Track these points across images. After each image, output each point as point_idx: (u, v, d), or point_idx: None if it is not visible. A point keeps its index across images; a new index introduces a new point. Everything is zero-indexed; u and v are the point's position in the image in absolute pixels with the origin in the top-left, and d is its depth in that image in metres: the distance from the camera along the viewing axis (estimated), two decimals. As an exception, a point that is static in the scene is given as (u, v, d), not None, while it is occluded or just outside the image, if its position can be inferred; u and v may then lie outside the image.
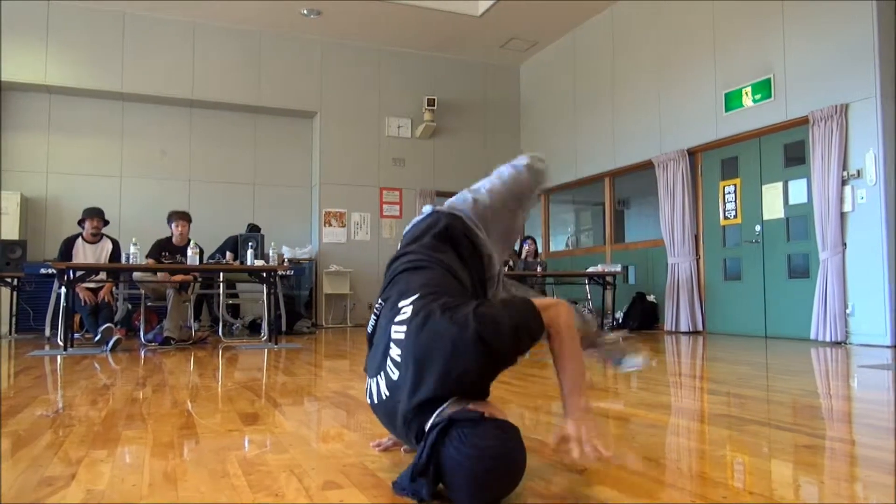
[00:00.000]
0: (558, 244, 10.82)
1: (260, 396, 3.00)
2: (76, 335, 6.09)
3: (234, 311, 8.00)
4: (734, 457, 1.86)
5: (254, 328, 7.63)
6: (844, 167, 5.83)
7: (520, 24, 9.15)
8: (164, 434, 2.15)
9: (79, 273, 5.41)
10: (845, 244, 5.83)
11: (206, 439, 2.08)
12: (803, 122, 6.20)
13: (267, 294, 6.10)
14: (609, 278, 7.61)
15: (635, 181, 8.98)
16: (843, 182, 5.83)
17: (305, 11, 8.72)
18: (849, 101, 5.81)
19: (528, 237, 8.44)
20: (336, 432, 2.22)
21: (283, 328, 7.29)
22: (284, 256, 8.24)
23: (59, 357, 4.88)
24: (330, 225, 9.55)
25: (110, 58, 8.59)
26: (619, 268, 7.89)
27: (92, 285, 5.99)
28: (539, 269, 7.89)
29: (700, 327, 7.29)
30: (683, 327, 7.30)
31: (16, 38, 8.15)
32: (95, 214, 6.17)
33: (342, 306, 9.38)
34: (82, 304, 5.85)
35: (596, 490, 1.51)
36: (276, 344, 5.80)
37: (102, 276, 6.02)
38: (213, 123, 9.33)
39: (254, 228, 7.74)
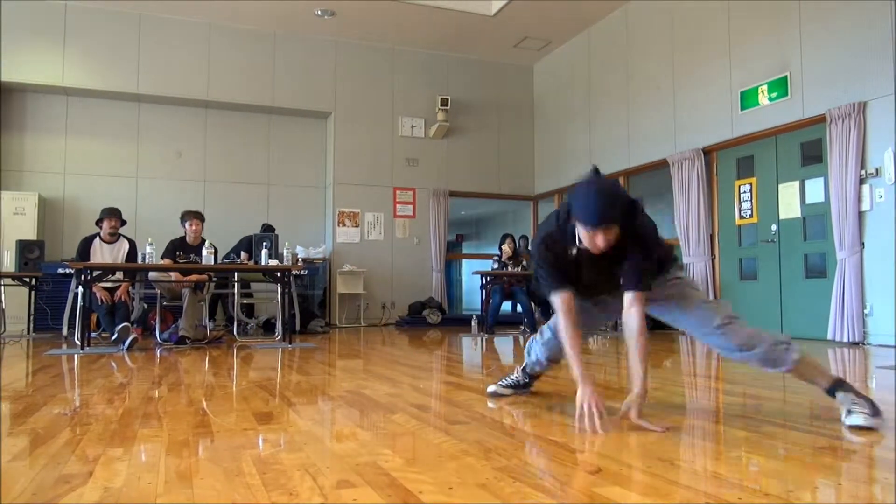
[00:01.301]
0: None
1: (274, 395, 3.01)
2: (93, 334, 6.15)
3: (249, 310, 8.04)
4: (750, 458, 1.85)
5: (268, 327, 7.68)
6: (862, 166, 5.77)
7: (533, 24, 9.13)
8: (180, 433, 2.16)
9: (96, 273, 5.46)
10: (863, 244, 5.76)
11: (220, 438, 2.09)
12: (820, 120, 6.14)
13: (281, 294, 6.13)
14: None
15: (650, 180, 8.92)
16: (861, 181, 5.77)
17: (319, 12, 8.76)
18: (867, 99, 5.74)
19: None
20: (350, 431, 2.22)
21: (297, 328, 7.33)
22: (298, 256, 8.28)
23: (76, 356, 4.93)
24: (344, 225, 9.58)
25: (126, 59, 8.67)
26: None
27: (109, 285, 6.04)
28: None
29: (715, 327, 7.22)
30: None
31: (33, 41, 8.26)
32: (113, 214, 6.23)
33: (356, 306, 9.41)
34: (99, 303, 5.90)
35: (611, 490, 1.50)
36: (291, 343, 5.82)
37: (119, 275, 6.08)
38: (228, 124, 9.40)
39: (268, 228, 7.78)
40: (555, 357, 2.78)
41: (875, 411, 2.22)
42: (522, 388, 2.94)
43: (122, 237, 6.30)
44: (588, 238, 2.24)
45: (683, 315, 2.45)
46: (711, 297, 7.27)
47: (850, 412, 2.24)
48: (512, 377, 2.97)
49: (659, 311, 2.51)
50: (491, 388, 2.96)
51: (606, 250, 2.23)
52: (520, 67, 10.70)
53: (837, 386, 2.33)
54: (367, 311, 9.46)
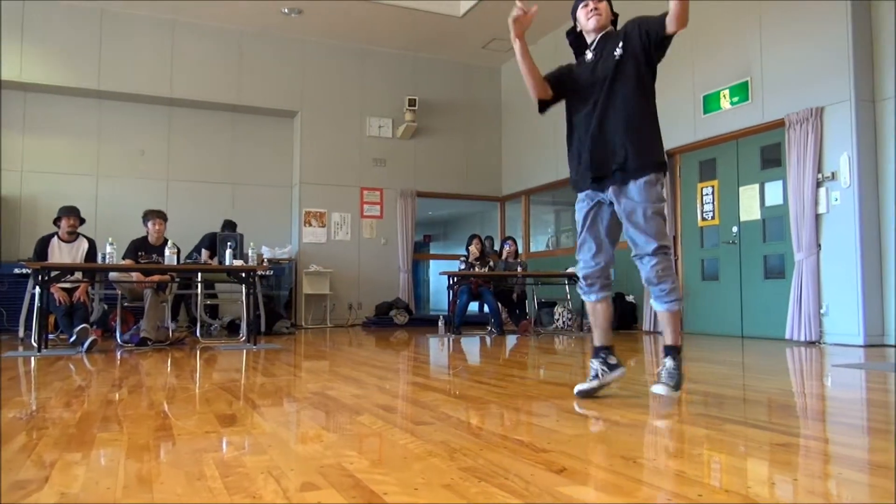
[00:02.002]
0: (539, 245, 10.87)
1: (238, 398, 2.97)
2: (51, 336, 5.99)
3: (213, 311, 7.93)
4: (711, 455, 1.88)
5: (232, 329, 7.57)
6: (819, 169, 5.92)
7: (501, 25, 9.11)
8: (140, 436, 2.12)
9: (54, 273, 5.33)
10: (820, 245, 5.92)
11: (182, 441, 2.06)
12: (780, 124, 6.28)
13: (246, 294, 6.05)
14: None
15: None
16: (818, 184, 5.92)
17: (286, 10, 8.68)
18: (824, 105, 5.90)
19: (509, 238, 8.47)
20: (315, 433, 2.21)
21: (263, 329, 7.25)
22: (264, 256, 8.19)
23: (32, 358, 4.80)
24: (310, 225, 9.51)
25: (87, 55, 8.48)
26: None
27: (67, 285, 5.90)
28: (519, 269, 7.92)
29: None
30: (662, 327, 7.34)
31: (-11, 34, 8.02)
32: (71, 213, 6.08)
33: (322, 307, 9.34)
34: (57, 304, 5.76)
35: (573, 489, 1.52)
36: (255, 345, 5.75)
37: (78, 275, 5.94)
38: (193, 122, 9.25)
39: (229, 225, 7.67)
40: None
41: (677, 387, 2.69)
42: (608, 371, 2.83)
43: (80, 236, 6.16)
44: (584, 15, 2.84)
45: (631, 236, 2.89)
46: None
47: (658, 381, 2.72)
48: (593, 368, 2.86)
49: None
50: (579, 388, 2.84)
51: (599, 24, 2.82)
52: (488, 69, 10.74)
53: (675, 351, 2.77)
54: (333, 311, 9.40)
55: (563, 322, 8.13)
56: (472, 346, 6.23)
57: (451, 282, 7.58)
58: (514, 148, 10.51)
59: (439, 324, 7.65)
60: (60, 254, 5.97)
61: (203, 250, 6.94)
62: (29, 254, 6.77)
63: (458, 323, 7.49)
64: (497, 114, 10.81)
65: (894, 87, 5.63)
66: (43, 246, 5.96)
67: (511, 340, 6.67)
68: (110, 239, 5.53)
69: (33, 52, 8.22)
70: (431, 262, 15.54)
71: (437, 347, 6.09)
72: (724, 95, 6.86)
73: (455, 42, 9.74)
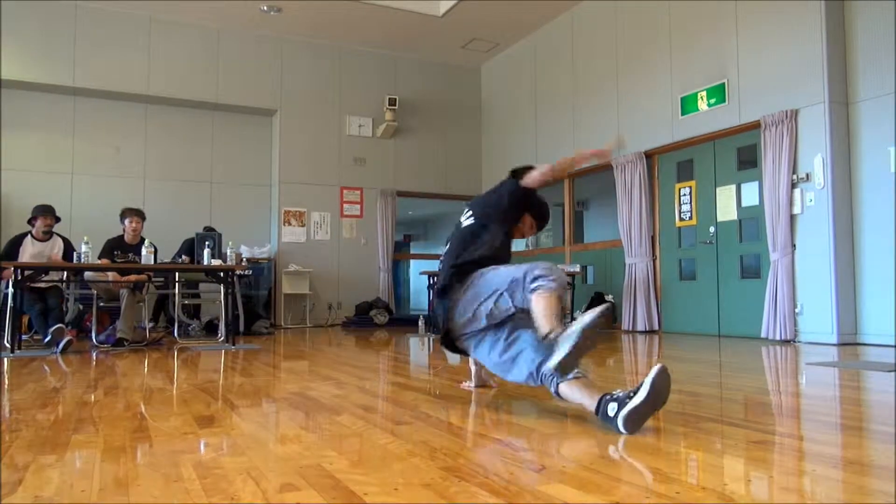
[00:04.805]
0: (519, 244, 10.90)
1: (216, 398, 2.95)
2: (24, 337, 5.90)
3: (196, 311, 7.85)
4: (688, 453, 1.90)
5: (211, 329, 7.50)
6: (794, 171, 6.00)
7: (481, 25, 9.19)
8: (116, 438, 2.10)
9: (27, 272, 5.24)
10: (794, 245, 6.00)
11: (159, 443, 2.04)
12: (755, 126, 6.36)
13: (224, 294, 6.00)
14: (568, 278, 7.69)
15: (594, 182, 9.10)
16: (793, 185, 6.01)
17: (265, 8, 8.61)
18: (799, 107, 5.98)
19: (489, 237, 8.47)
20: (294, 434, 2.19)
21: (241, 329, 7.19)
22: (242, 256, 8.12)
23: (5, 359, 4.72)
24: (289, 224, 9.45)
25: (62, 51, 8.34)
26: (578, 268, 7.98)
27: (42, 285, 5.81)
28: (499, 269, 7.92)
29: (656, 326, 7.42)
30: (640, 326, 7.43)
31: (-40, 29, 7.85)
32: (47, 212, 5.98)
33: (301, 306, 9.29)
34: (31, 304, 5.66)
35: (553, 487, 1.53)
36: (234, 345, 5.71)
37: (52, 275, 5.85)
38: (170, 120, 9.15)
39: (209, 231, 7.58)
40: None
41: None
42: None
43: (55, 235, 6.06)
44: (531, 228, 3.35)
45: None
46: (641, 302, 7.46)
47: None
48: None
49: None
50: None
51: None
52: (467, 68, 10.75)
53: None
54: (313, 311, 9.36)
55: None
56: (452, 345, 6.22)
57: (431, 281, 7.58)
58: (493, 147, 10.53)
59: (419, 323, 7.64)
60: (33, 253, 5.87)
61: (183, 256, 6.87)
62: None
63: (439, 322, 7.48)
64: (477, 113, 10.83)
65: (866, 90, 5.73)
66: (14, 246, 5.85)
67: (491, 340, 6.67)
68: (86, 238, 5.45)
69: (6, 47, 8.06)
70: (412, 261, 15.52)
71: (418, 347, 6.09)
72: (701, 97, 6.94)
73: (435, 41, 9.73)
